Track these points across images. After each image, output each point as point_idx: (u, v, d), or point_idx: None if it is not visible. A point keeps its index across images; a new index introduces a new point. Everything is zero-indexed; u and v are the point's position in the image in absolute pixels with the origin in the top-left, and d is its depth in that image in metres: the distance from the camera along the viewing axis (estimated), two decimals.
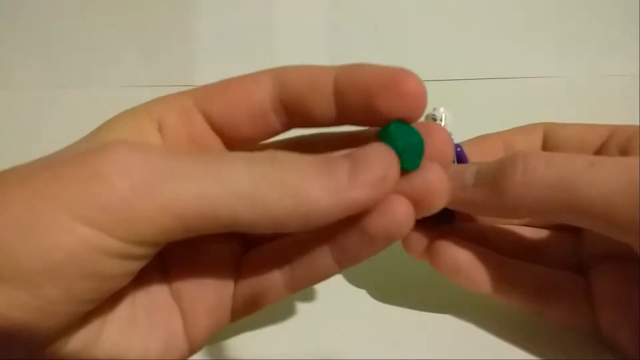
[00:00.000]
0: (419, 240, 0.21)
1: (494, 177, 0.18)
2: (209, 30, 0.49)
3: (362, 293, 0.23)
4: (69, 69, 0.49)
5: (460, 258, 0.20)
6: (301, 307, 0.22)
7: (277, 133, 0.18)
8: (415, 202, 0.16)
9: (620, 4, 0.46)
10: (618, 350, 0.19)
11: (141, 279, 0.17)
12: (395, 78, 0.16)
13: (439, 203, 0.16)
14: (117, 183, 0.14)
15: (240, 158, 0.15)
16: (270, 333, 0.21)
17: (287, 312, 0.22)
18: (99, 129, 0.17)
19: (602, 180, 0.16)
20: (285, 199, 0.14)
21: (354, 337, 0.21)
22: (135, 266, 0.15)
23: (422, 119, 0.20)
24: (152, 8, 0.48)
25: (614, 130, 0.21)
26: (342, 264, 0.17)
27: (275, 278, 0.17)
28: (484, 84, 0.46)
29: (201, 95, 0.18)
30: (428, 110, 0.20)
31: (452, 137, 0.20)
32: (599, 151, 0.21)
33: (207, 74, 0.50)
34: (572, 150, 0.21)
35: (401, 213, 0.15)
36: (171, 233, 0.14)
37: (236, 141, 0.18)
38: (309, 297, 0.23)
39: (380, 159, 0.15)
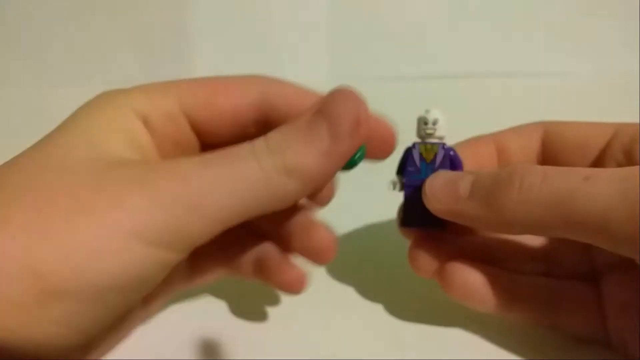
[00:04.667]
0: (429, 262, 0.20)
1: (490, 192, 0.18)
2: (205, 29, 0.49)
3: (368, 304, 0.23)
4: (63, 68, 0.49)
5: (471, 281, 0.20)
6: (303, 315, 0.22)
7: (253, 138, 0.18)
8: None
9: (621, 1, 0.46)
10: (628, 359, 0.19)
11: None
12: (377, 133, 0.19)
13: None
14: (171, 208, 0.15)
15: (248, 154, 0.16)
16: (270, 339, 0.21)
17: (289, 323, 0.22)
18: (78, 117, 0.18)
19: (597, 194, 0.16)
20: (292, 180, 0.16)
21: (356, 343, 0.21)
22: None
23: (415, 121, 0.20)
24: (148, 7, 0.48)
25: (617, 130, 0.20)
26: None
27: None
28: (483, 81, 0.46)
29: (187, 100, 0.19)
30: (420, 112, 0.20)
31: (445, 139, 0.20)
32: (603, 153, 0.20)
33: (203, 73, 0.49)
34: (574, 153, 0.21)
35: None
36: (213, 235, 0.16)
37: (213, 144, 0.20)
38: (310, 305, 0.23)
39: (348, 107, 0.17)
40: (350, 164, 0.18)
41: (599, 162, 0.20)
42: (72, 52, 0.49)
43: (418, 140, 0.21)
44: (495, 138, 0.22)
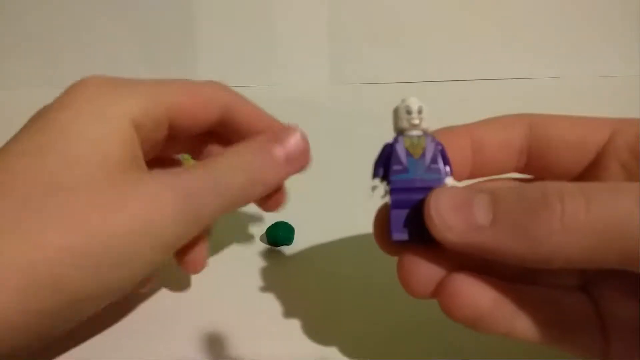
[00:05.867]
0: (426, 279, 0.16)
1: (522, 220, 0.14)
2: (210, 34, 0.49)
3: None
4: (68, 69, 0.50)
5: (483, 299, 0.16)
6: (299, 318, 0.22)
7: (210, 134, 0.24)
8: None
9: (619, 4, 0.46)
10: None
11: None
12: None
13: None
14: (175, 212, 0.19)
15: (230, 172, 0.21)
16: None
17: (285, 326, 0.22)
18: (77, 114, 0.19)
19: None
20: (257, 188, 0.21)
21: None
22: None
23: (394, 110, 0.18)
24: (155, 11, 0.48)
25: (617, 126, 0.18)
26: None
27: None
28: (480, 85, 0.47)
29: (173, 109, 0.21)
30: (397, 102, 0.17)
31: (430, 131, 0.17)
32: (603, 152, 0.18)
33: (208, 73, 0.50)
34: (569, 152, 0.18)
35: None
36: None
37: (176, 135, 0.23)
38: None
39: (300, 139, 0.22)
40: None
41: (598, 161, 0.18)
42: (79, 53, 0.50)
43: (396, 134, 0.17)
44: (471, 130, 0.19)
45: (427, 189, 0.16)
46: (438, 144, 0.17)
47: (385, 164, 0.17)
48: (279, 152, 0.21)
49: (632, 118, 0.18)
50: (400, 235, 0.17)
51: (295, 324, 0.22)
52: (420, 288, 0.17)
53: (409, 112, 0.17)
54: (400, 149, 0.17)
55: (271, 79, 0.50)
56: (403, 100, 0.17)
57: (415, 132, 0.17)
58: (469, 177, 0.19)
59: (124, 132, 0.19)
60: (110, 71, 0.49)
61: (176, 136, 0.23)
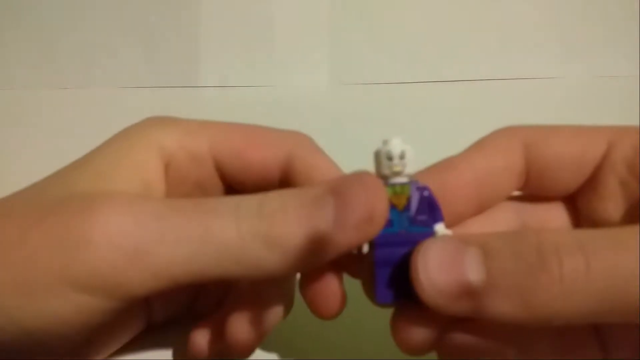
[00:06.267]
0: (424, 341, 0.16)
1: (519, 283, 0.14)
2: (211, 31, 0.49)
3: None
4: (70, 70, 0.50)
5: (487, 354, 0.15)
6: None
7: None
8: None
9: (619, 4, 0.46)
10: None
11: None
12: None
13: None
14: (107, 253, 0.14)
15: (228, 211, 0.15)
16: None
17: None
18: (105, 149, 0.18)
19: None
20: (272, 253, 0.14)
21: None
22: (123, 311, 0.16)
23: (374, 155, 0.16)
24: (154, 8, 0.48)
25: (613, 138, 0.17)
26: None
27: None
28: (481, 85, 0.47)
29: (218, 146, 0.18)
30: (378, 145, 0.16)
31: (413, 174, 0.16)
32: (601, 167, 0.18)
33: (209, 75, 0.50)
34: (568, 170, 0.18)
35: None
36: (160, 290, 0.15)
37: (237, 190, 0.19)
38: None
39: (366, 196, 0.14)
40: None
41: (596, 176, 0.18)
42: (80, 54, 0.50)
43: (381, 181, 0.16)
44: (472, 163, 0.18)
45: (415, 243, 0.15)
46: (424, 189, 0.15)
47: None
48: (326, 206, 0.14)
49: (628, 126, 0.18)
50: (386, 298, 0.15)
51: (294, 324, 0.22)
52: (417, 351, 0.16)
53: (389, 158, 0.15)
54: None
55: (271, 79, 0.50)
56: (384, 143, 0.16)
57: (398, 180, 0.15)
58: (475, 213, 0.18)
59: (147, 163, 0.17)
60: (110, 71, 0.49)
61: (234, 184, 0.19)
